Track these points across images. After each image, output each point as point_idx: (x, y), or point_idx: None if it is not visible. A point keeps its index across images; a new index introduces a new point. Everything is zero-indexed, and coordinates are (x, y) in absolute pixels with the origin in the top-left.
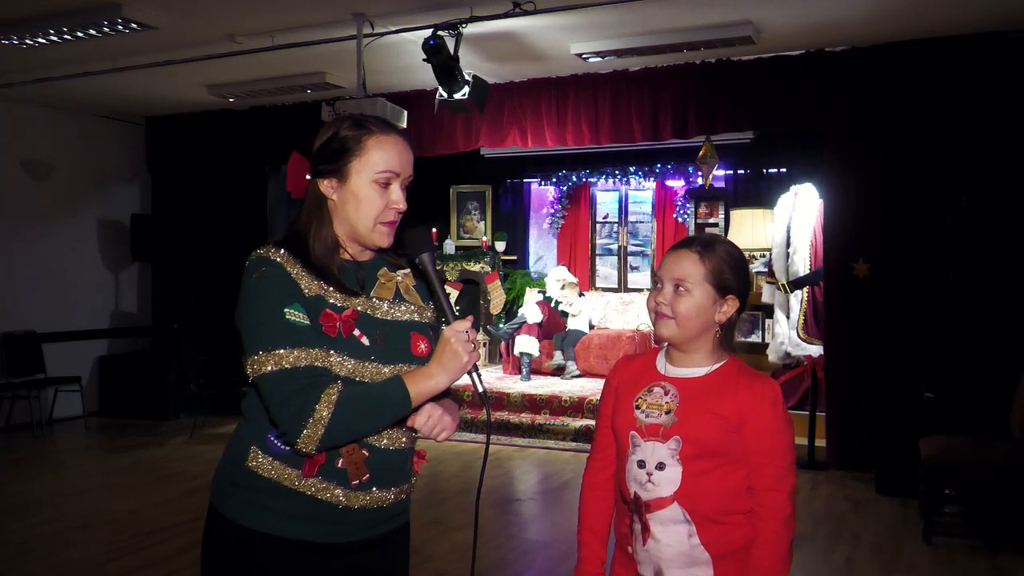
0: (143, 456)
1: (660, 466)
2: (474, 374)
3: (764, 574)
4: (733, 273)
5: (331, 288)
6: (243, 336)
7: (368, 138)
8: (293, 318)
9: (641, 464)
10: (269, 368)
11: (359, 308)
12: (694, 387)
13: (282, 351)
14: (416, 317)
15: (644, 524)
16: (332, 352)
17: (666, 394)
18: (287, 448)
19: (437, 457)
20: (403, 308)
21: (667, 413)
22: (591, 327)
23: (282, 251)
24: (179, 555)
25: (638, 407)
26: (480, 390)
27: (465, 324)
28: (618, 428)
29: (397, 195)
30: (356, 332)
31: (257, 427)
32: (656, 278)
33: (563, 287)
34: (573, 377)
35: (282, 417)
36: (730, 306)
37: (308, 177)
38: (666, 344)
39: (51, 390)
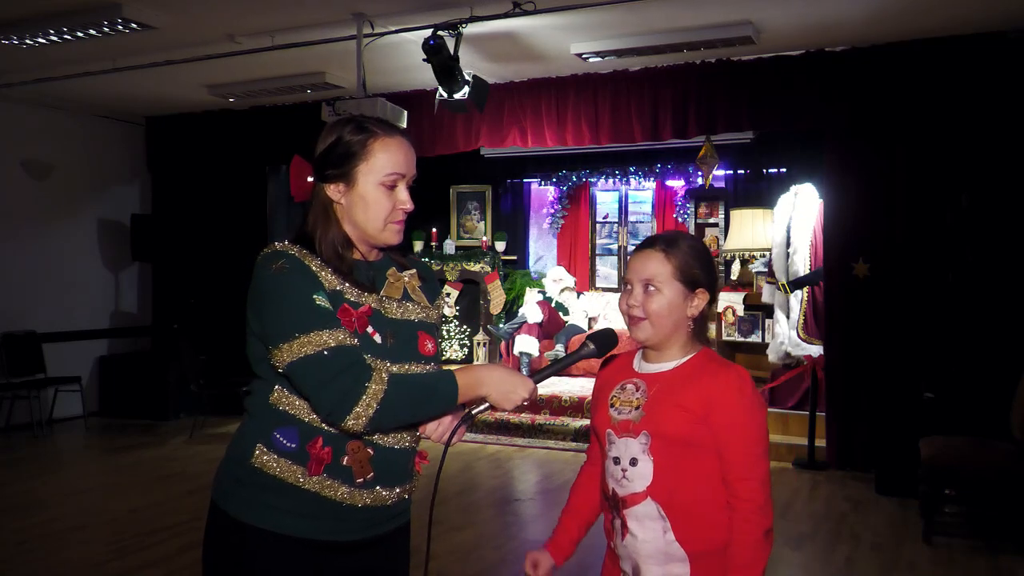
0: (143, 456)
1: (633, 461)
2: (484, 407)
3: (742, 563)
4: (700, 267)
5: (347, 284)
6: (269, 326)
7: (373, 141)
8: (323, 304)
9: (616, 461)
10: (309, 350)
11: (372, 306)
12: (662, 381)
13: (322, 332)
14: (423, 316)
15: (622, 520)
16: None
17: (637, 390)
18: (294, 446)
19: (437, 457)
20: (411, 308)
21: (636, 408)
22: (589, 324)
23: (297, 247)
24: (179, 555)
25: (612, 405)
26: (475, 411)
27: (536, 393)
28: (596, 427)
29: (404, 195)
30: (370, 329)
31: (262, 424)
32: (625, 281)
33: (561, 291)
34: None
35: (330, 395)
36: (700, 300)
37: (311, 180)
38: None
39: (51, 390)
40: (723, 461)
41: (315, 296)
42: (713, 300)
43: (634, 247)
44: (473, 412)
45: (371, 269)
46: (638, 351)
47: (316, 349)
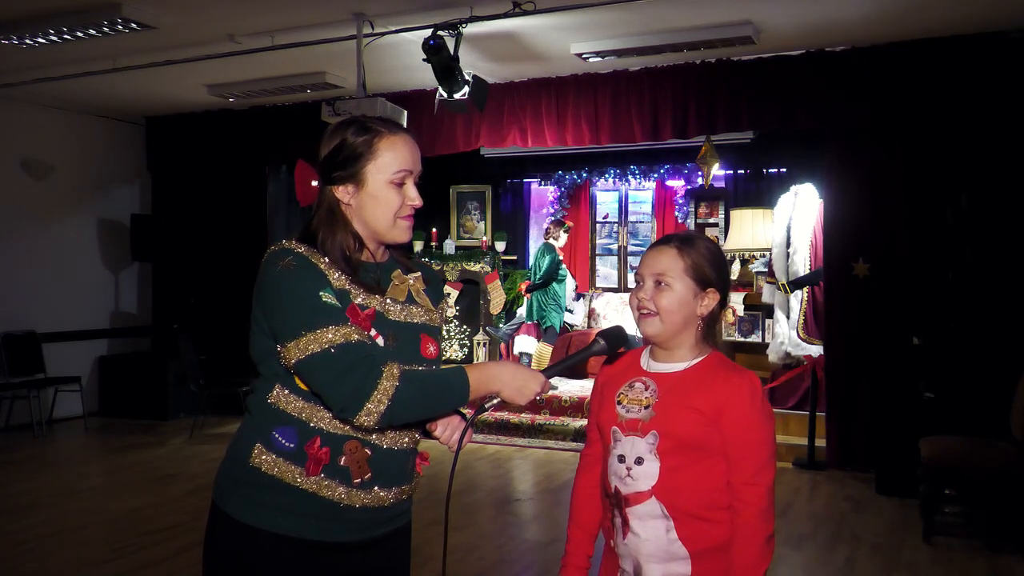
0: (143, 456)
1: (639, 460)
2: (495, 402)
3: (742, 568)
4: (712, 266)
5: (354, 285)
6: (277, 324)
7: (379, 140)
8: (330, 301)
9: (621, 459)
10: (317, 348)
11: (376, 308)
12: (673, 382)
13: (328, 329)
14: (426, 319)
15: (624, 518)
16: None
17: (646, 389)
18: (292, 446)
19: (437, 457)
20: (414, 310)
21: (646, 408)
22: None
23: (304, 245)
24: (179, 555)
25: (619, 402)
26: (487, 405)
27: (549, 387)
28: (602, 424)
29: (413, 192)
30: (372, 332)
31: (261, 423)
32: (637, 276)
33: (577, 299)
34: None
35: (341, 392)
36: (711, 299)
37: (315, 184)
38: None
39: (51, 390)
40: (730, 465)
41: (322, 293)
42: (724, 302)
43: (634, 247)
44: (485, 406)
45: (378, 270)
46: (646, 349)
47: (323, 347)
